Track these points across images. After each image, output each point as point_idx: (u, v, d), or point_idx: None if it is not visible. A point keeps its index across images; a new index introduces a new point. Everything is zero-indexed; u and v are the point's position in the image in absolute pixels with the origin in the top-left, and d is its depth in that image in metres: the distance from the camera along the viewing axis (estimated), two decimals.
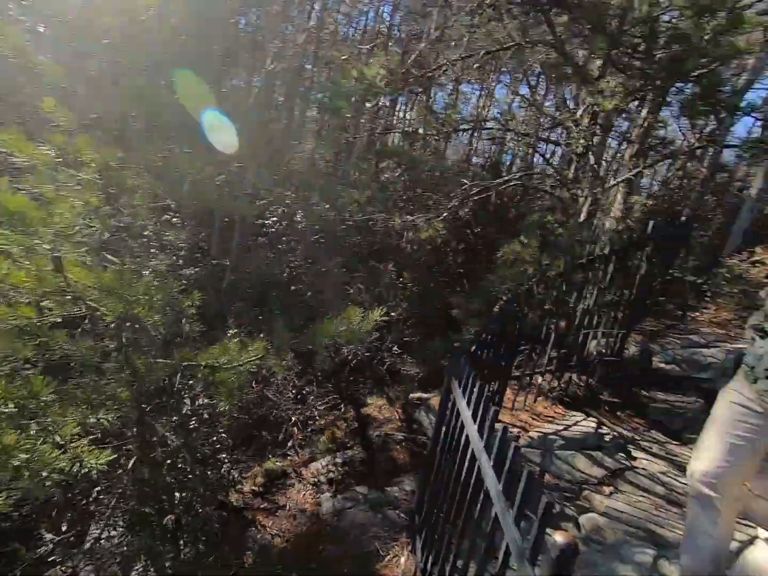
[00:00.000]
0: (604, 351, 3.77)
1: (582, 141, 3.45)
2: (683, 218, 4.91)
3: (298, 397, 3.77)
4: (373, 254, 3.93)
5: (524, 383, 3.47)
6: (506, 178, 4.23)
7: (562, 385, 3.65)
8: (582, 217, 3.91)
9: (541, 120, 6.50)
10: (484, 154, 11.60)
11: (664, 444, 3.16)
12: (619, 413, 3.51)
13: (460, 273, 4.05)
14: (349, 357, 3.75)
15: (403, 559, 2.14)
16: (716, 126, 5.60)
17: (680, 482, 2.70)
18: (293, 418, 3.75)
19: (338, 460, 3.04)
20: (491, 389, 2.84)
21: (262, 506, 2.48)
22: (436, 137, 4.73)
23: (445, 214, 3.97)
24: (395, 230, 3.83)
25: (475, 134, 8.57)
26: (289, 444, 3.49)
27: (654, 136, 4.14)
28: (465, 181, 4.24)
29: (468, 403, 1.68)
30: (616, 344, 3.79)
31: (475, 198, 4.53)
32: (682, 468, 2.91)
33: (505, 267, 2.82)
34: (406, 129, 5.64)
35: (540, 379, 3.70)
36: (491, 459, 1.30)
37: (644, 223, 3.78)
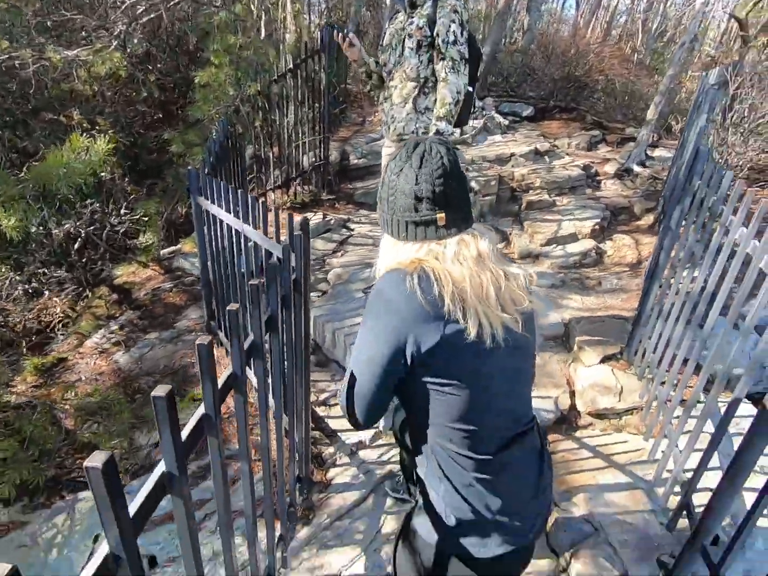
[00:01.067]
0: (314, 160, 4.52)
1: None
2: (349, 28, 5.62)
3: (31, 293, 3.26)
4: (44, 104, 3.13)
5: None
6: None
7: (290, 196, 4.34)
8: (263, 34, 4.07)
9: None
10: None
11: (368, 214, 4.38)
12: (336, 205, 4.52)
13: (164, 108, 3.76)
14: (73, 231, 3.32)
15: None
16: None
17: (378, 233, 3.96)
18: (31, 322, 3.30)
19: (114, 327, 3.04)
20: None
21: (52, 390, 2.42)
22: None
23: (115, 43, 3.44)
24: (56, 69, 3.12)
25: None
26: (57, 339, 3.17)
27: None
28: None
29: (219, 203, 2.03)
30: (321, 152, 4.58)
31: (144, 20, 3.97)
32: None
33: (205, 91, 2.89)
34: None
35: (273, 196, 4.27)
36: (251, 225, 1.77)
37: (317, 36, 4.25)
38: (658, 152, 5.17)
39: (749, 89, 4.00)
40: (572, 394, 2.28)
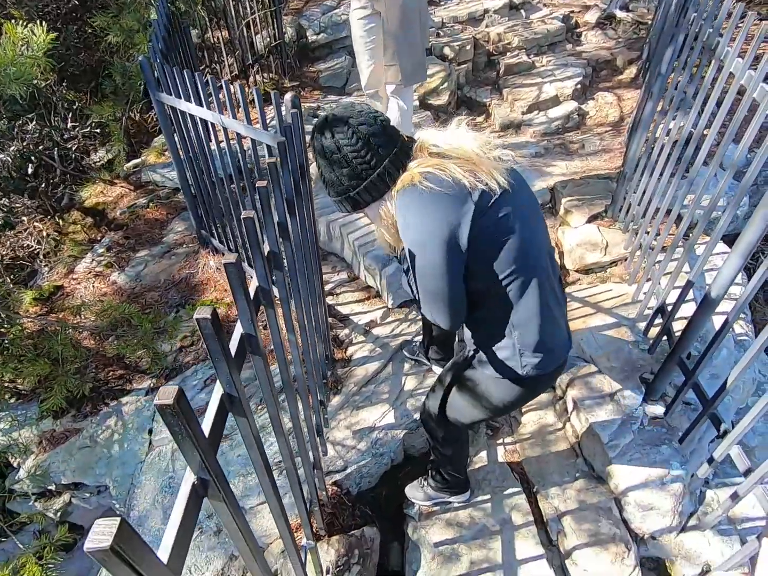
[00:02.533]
0: (269, 40, 4.03)
1: None
2: None
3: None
4: None
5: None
6: None
7: (251, 86, 3.95)
8: None
9: None
10: None
11: (338, 99, 4.06)
12: (302, 92, 4.15)
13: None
14: (22, 152, 3.03)
15: (206, 258, 2.65)
16: None
17: None
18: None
19: (101, 249, 2.98)
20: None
21: (60, 315, 2.46)
22: None
23: None
24: None
25: None
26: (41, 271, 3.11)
27: None
28: None
29: (187, 96, 1.86)
30: (275, 31, 4.06)
31: None
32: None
33: None
34: None
35: (232, 90, 3.87)
36: (231, 115, 1.66)
37: None
38: None
39: None
40: (561, 254, 2.43)
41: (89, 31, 3.46)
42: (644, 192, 2.06)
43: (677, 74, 1.86)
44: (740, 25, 1.48)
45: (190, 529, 0.49)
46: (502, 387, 1.10)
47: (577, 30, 4.47)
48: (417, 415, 1.76)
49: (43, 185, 3.34)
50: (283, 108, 1.39)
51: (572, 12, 4.60)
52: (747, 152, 1.48)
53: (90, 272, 2.86)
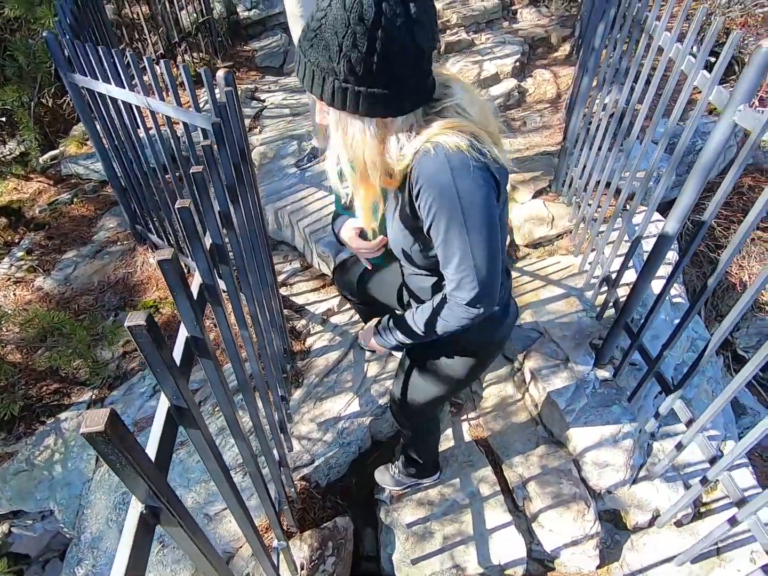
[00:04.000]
0: (196, 17, 3.74)
1: None
2: None
3: None
4: None
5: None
6: None
7: (179, 66, 3.66)
8: None
9: None
10: None
11: (277, 80, 3.88)
12: (237, 74, 3.92)
13: None
14: None
15: (144, 255, 2.47)
16: None
17: (294, 100, 3.57)
18: None
19: (20, 253, 2.67)
20: None
21: None
22: None
23: None
24: None
25: None
26: None
27: None
28: None
29: (105, 77, 1.68)
30: (201, 6, 3.78)
31: None
32: (301, 91, 3.76)
33: None
34: None
35: (157, 70, 3.58)
36: (158, 96, 1.51)
37: None
38: None
39: None
40: (510, 230, 2.48)
41: None
42: (584, 166, 2.14)
43: (610, 49, 1.92)
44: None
45: (143, 562, 0.43)
46: (456, 360, 1.11)
47: (513, 7, 4.52)
48: (382, 401, 1.75)
49: None
50: (216, 88, 1.28)
51: None
52: (676, 125, 1.56)
53: (9, 279, 2.57)
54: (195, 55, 3.82)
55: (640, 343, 1.58)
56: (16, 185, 3.18)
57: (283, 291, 2.22)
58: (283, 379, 1.66)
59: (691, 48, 1.36)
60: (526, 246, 2.41)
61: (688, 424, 1.38)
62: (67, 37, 1.84)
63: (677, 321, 1.41)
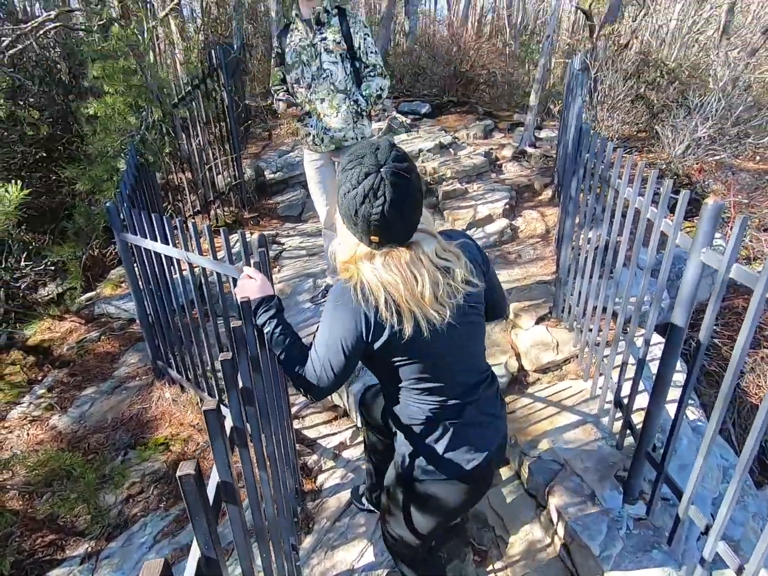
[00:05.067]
0: (230, 180, 4.42)
1: None
2: (236, 43, 5.50)
3: None
4: None
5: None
6: (39, 20, 3.47)
7: (212, 219, 4.20)
8: (151, 57, 3.89)
9: None
10: None
11: (295, 227, 4.38)
12: (261, 222, 4.46)
13: (46, 146, 3.39)
14: None
15: (160, 390, 2.51)
16: None
17: (310, 243, 3.99)
18: None
19: (41, 390, 2.74)
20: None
21: None
22: None
23: None
24: None
25: None
26: None
27: None
28: None
29: (153, 236, 1.96)
30: (235, 171, 4.49)
31: (10, 52, 3.59)
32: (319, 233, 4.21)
33: (102, 121, 2.71)
34: None
35: (191, 223, 4.09)
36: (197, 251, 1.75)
37: (208, 53, 4.15)
38: (544, 133, 5.79)
39: (606, 71, 4.66)
40: (518, 356, 2.54)
41: (53, 178, 3.66)
42: (580, 293, 2.29)
43: (585, 196, 2.23)
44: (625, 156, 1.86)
45: None
46: (448, 488, 1.09)
47: (498, 162, 5.29)
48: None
49: None
50: (250, 247, 1.49)
51: (492, 149, 5.49)
52: (656, 254, 1.74)
53: (25, 418, 2.60)
54: (226, 209, 4.41)
55: (666, 475, 1.51)
56: (50, 325, 3.40)
57: (295, 424, 2.21)
58: (294, 524, 1.56)
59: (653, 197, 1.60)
60: (535, 371, 2.44)
61: (738, 571, 1.25)
62: (125, 205, 2.20)
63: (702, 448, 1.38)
